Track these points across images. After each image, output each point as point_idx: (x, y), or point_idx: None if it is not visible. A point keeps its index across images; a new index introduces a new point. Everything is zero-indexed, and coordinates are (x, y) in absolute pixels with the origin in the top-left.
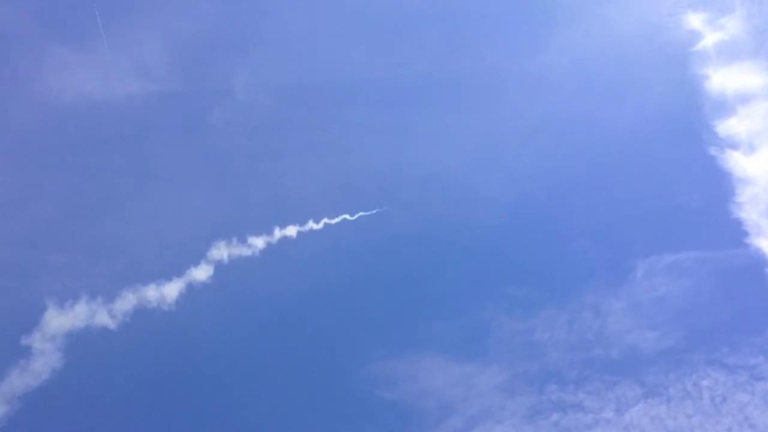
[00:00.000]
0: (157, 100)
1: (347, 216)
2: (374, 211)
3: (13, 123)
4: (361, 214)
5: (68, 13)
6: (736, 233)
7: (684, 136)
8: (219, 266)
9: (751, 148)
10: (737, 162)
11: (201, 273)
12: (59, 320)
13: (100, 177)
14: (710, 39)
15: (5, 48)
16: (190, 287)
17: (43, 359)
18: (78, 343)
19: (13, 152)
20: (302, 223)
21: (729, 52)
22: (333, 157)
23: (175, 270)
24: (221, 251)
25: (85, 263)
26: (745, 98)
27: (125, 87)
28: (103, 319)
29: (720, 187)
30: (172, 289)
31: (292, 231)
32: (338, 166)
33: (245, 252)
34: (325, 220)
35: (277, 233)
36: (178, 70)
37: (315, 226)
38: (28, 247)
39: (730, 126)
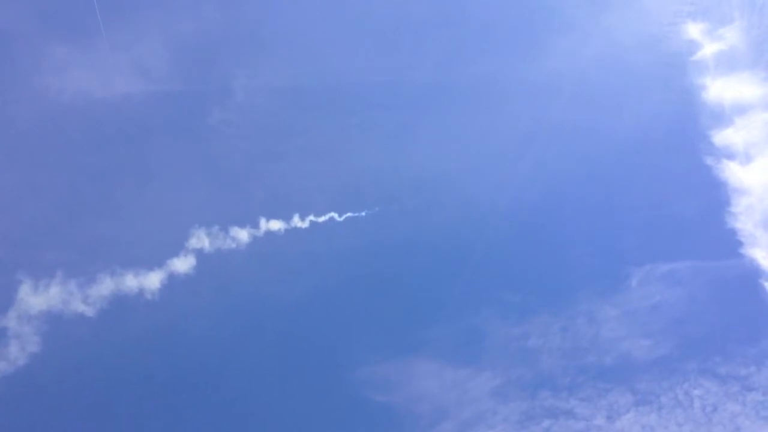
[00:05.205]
0: (157, 100)
1: (336, 216)
2: (363, 213)
3: (12, 121)
4: (348, 214)
5: (68, 12)
6: (731, 243)
7: (681, 145)
8: (205, 259)
9: (747, 159)
10: (733, 172)
11: (184, 264)
12: (36, 301)
13: (98, 175)
14: (709, 49)
15: (5, 46)
16: (176, 280)
17: (19, 344)
18: (58, 332)
19: (12, 150)
20: (297, 221)
21: (727, 63)
22: (330, 159)
23: (161, 262)
24: (202, 241)
25: (83, 261)
26: (742, 108)
27: (125, 86)
28: (83, 307)
29: (715, 196)
30: (155, 281)
31: (280, 226)
32: (335, 169)
33: (233, 245)
34: (311, 217)
35: (263, 227)
36: (177, 70)
37: (301, 224)
38: (24, 244)
39: (726, 136)
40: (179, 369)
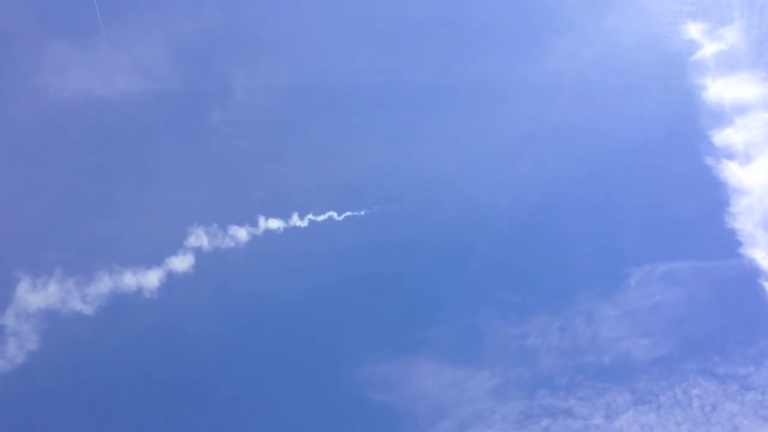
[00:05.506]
0: (157, 100)
1: (335, 215)
2: (362, 212)
3: (12, 121)
4: (347, 214)
5: (68, 12)
6: (731, 243)
7: (680, 145)
8: (204, 257)
9: (747, 159)
10: (733, 172)
11: (182, 263)
12: (34, 299)
13: (98, 175)
14: (709, 49)
15: (5, 46)
16: (175, 278)
17: (17, 342)
18: (56, 331)
19: (12, 150)
20: (296, 220)
21: (727, 63)
22: (330, 159)
23: (159, 260)
24: (201, 240)
25: (82, 259)
26: (742, 108)
27: (125, 86)
28: (81, 305)
29: (715, 196)
30: (154, 279)
31: (279, 225)
32: (335, 169)
33: (231, 244)
34: (310, 216)
35: (262, 226)
36: (177, 70)
37: (300, 223)
38: (22, 242)
39: (726, 136)
40: (178, 368)
